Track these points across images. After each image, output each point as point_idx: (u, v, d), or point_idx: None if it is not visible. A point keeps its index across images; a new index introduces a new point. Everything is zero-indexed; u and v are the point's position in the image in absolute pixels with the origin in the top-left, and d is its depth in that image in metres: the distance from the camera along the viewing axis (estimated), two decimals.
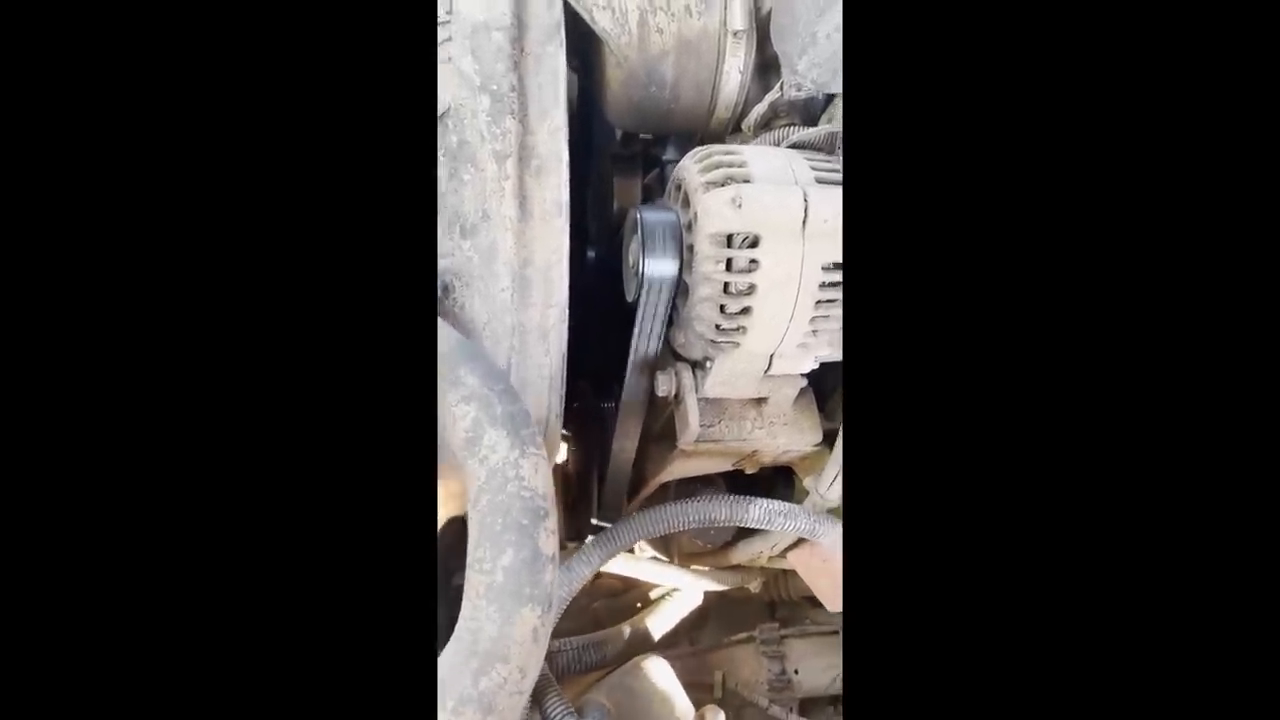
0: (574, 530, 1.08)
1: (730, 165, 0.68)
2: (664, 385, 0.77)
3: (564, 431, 0.94)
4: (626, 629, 1.04)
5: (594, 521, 1.02)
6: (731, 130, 0.87)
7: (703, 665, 1.16)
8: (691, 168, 0.71)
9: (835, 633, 1.19)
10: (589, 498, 1.08)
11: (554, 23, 0.76)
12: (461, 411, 0.57)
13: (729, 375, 0.75)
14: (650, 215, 0.73)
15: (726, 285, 0.67)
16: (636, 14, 0.75)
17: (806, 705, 1.17)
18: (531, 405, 0.81)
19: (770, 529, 0.76)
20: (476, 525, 0.55)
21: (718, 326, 0.70)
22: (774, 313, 0.68)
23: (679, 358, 0.79)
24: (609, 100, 0.83)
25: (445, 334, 0.59)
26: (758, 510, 0.74)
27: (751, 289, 0.67)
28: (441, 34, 0.74)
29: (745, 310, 0.68)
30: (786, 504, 0.76)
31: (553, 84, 0.76)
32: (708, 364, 0.75)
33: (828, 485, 0.82)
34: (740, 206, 0.64)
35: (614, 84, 0.81)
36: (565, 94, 0.76)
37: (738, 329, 0.69)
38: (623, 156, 0.96)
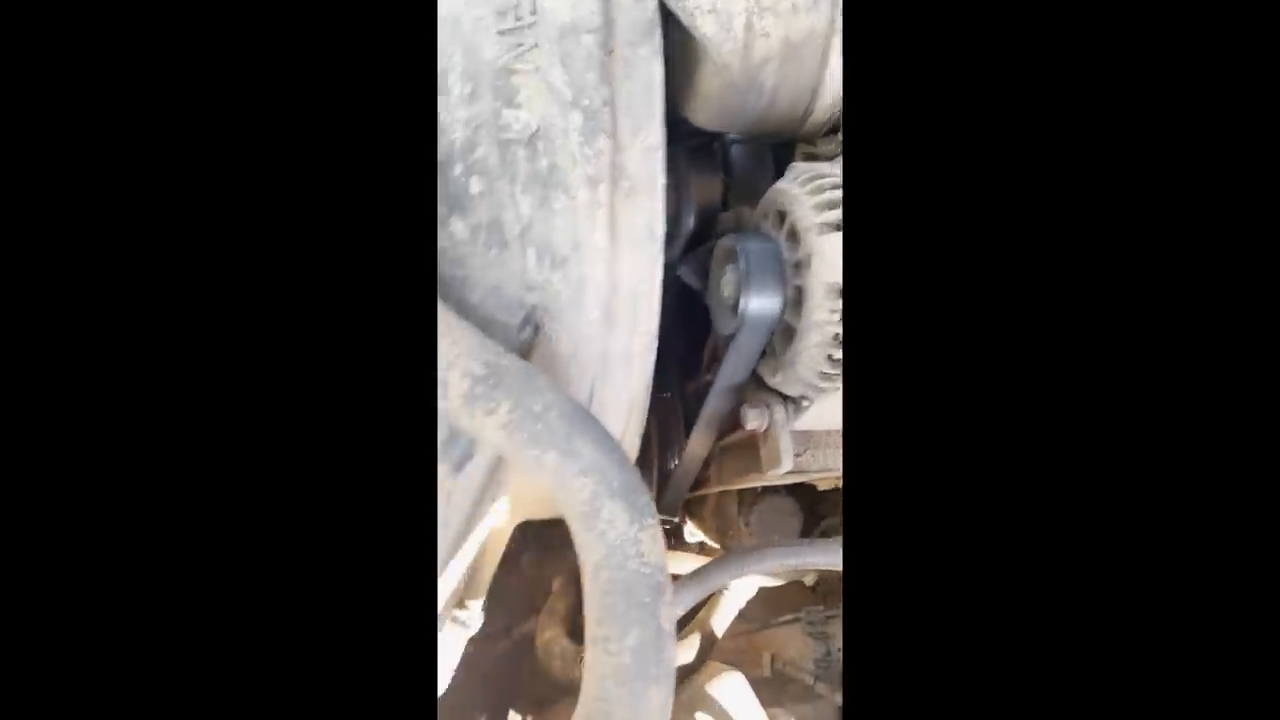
0: None
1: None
2: (754, 420, 0.75)
3: None
4: (694, 638, 1.07)
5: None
6: (825, 133, 0.80)
7: (752, 644, 1.21)
8: (802, 199, 0.66)
9: None
10: None
11: (647, 19, 0.68)
12: (579, 484, 0.55)
13: (826, 412, 0.73)
14: (755, 249, 0.68)
15: (837, 334, 0.64)
16: (743, 17, 0.68)
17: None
18: (610, 425, 0.79)
19: None
20: (597, 602, 0.55)
21: (824, 373, 0.67)
22: None
23: (765, 387, 0.77)
24: (695, 104, 0.76)
25: (561, 399, 0.56)
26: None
27: None
28: (525, 39, 0.66)
29: None
30: None
31: (647, 94, 0.69)
32: (804, 402, 0.73)
33: None
34: None
35: (706, 90, 0.74)
36: (662, 106, 0.69)
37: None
38: (700, 149, 0.90)
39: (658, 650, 0.54)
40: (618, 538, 0.55)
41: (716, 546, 1.16)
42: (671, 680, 0.54)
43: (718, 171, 0.87)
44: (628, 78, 0.69)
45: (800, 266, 0.65)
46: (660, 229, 0.71)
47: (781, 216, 0.69)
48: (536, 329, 0.68)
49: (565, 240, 0.68)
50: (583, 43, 0.66)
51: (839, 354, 0.65)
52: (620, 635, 0.53)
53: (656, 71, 0.69)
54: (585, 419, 0.58)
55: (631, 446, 0.81)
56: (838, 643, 1.21)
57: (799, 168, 0.70)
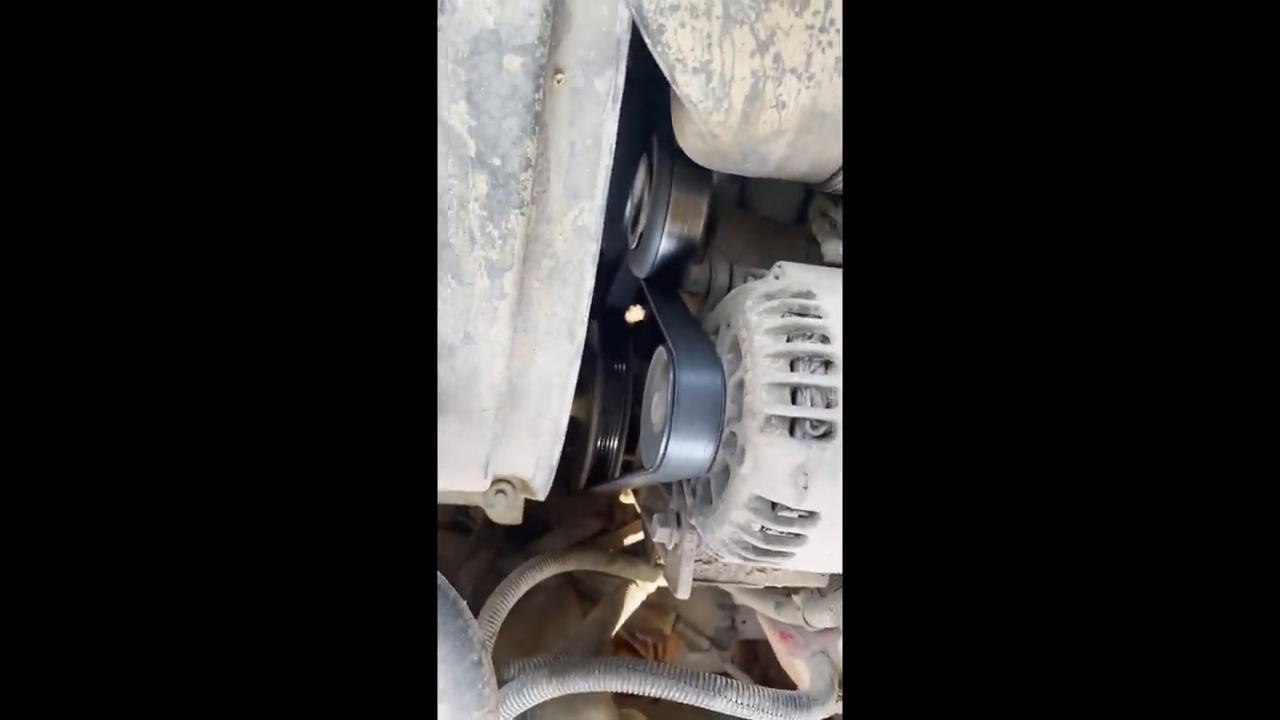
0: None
1: (814, 378, 0.47)
2: (661, 536, 0.65)
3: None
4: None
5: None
6: None
7: (661, 601, 1.23)
8: (758, 347, 0.49)
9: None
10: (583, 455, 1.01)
11: (613, 39, 0.45)
12: None
13: None
14: (689, 381, 0.53)
15: (758, 548, 0.52)
16: (747, 83, 0.44)
17: (743, 645, 1.27)
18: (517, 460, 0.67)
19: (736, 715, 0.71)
20: None
21: (742, 556, 0.56)
22: (807, 562, 0.54)
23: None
24: (683, 139, 0.54)
25: None
26: (723, 703, 0.69)
27: (790, 555, 0.52)
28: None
29: (780, 554, 0.54)
30: (758, 699, 0.71)
31: (594, 155, 0.48)
32: (717, 559, 0.63)
33: (816, 615, 0.76)
34: (807, 489, 0.46)
35: (691, 145, 0.52)
36: (607, 176, 0.49)
37: (763, 570, 0.56)
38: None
39: None
40: None
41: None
42: None
43: (705, 189, 0.65)
44: (572, 123, 0.47)
45: (740, 417, 0.51)
46: (581, 332, 0.55)
47: (736, 349, 0.53)
48: None
49: (453, 330, 0.53)
50: (506, 69, 0.44)
51: (764, 558, 0.54)
52: None
53: (611, 122, 0.47)
54: None
55: (542, 484, 0.70)
56: (741, 615, 1.25)
57: (766, 298, 0.52)
